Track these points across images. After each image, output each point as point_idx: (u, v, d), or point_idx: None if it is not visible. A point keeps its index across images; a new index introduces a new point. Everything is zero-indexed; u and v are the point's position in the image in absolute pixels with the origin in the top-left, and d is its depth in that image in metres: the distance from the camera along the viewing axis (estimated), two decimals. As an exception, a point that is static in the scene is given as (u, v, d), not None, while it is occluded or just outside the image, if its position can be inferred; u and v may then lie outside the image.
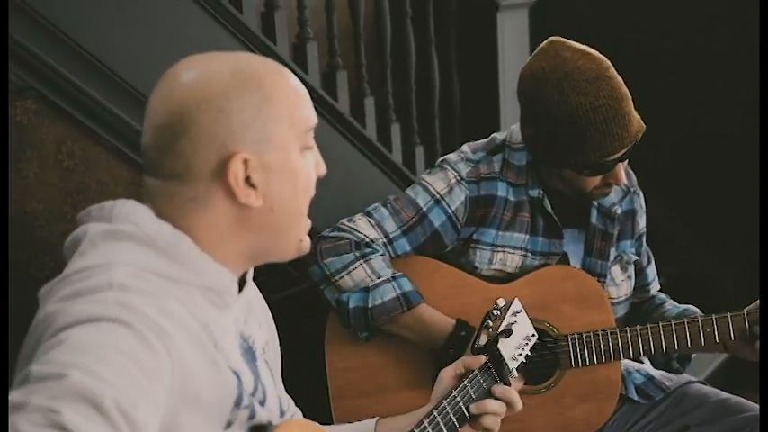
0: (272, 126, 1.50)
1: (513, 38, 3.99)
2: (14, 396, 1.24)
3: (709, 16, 4.71)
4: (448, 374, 1.88)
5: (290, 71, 1.56)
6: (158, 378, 1.35)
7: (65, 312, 1.34)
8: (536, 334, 2.04)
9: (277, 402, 1.67)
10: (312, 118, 1.57)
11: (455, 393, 1.82)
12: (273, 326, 1.80)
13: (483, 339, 1.98)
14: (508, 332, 1.94)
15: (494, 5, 3.92)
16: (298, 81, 1.57)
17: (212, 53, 1.55)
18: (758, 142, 4.42)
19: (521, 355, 1.98)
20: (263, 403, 1.59)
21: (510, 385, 1.90)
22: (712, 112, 4.77)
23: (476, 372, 1.87)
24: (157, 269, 1.44)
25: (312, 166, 1.58)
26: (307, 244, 1.60)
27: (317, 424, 1.67)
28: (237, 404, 1.50)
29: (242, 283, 1.61)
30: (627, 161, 2.46)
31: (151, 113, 1.50)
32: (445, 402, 1.82)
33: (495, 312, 2.01)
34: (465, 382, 1.85)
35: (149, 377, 1.33)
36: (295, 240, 1.58)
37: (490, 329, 1.98)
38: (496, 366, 1.90)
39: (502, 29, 3.96)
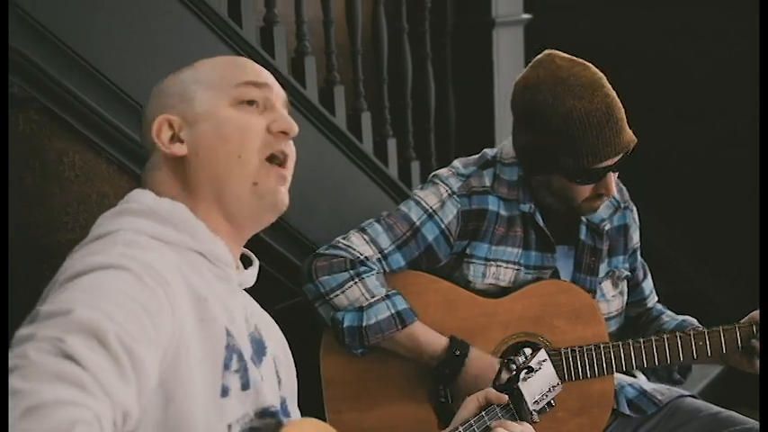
0: (193, 88, 1.72)
1: (508, 54, 4.02)
2: (23, 330, 1.34)
3: (707, 33, 4.75)
4: (472, 403, 1.92)
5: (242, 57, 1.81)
6: (159, 320, 1.45)
7: (73, 266, 1.47)
8: (560, 384, 2.05)
9: (279, 401, 1.72)
10: (249, 75, 1.74)
11: (472, 422, 1.87)
12: (287, 347, 1.89)
13: (504, 377, 2.01)
14: (529, 372, 1.97)
15: (489, 22, 3.95)
16: (242, 58, 1.84)
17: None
18: (751, 158, 4.45)
19: (543, 400, 2.00)
20: (263, 378, 1.66)
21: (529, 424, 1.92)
22: (705, 129, 4.80)
23: (494, 405, 1.91)
24: (158, 234, 1.60)
25: (254, 119, 1.71)
26: (269, 189, 1.70)
27: (330, 426, 1.71)
28: (227, 366, 1.57)
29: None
30: (618, 174, 2.49)
31: None
32: (461, 428, 1.87)
33: (519, 359, 2.03)
34: (483, 414, 1.90)
35: (151, 318, 1.44)
36: (243, 180, 1.69)
37: (513, 370, 2.00)
38: (515, 404, 1.94)
39: (497, 45, 3.99)
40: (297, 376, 1.88)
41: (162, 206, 1.64)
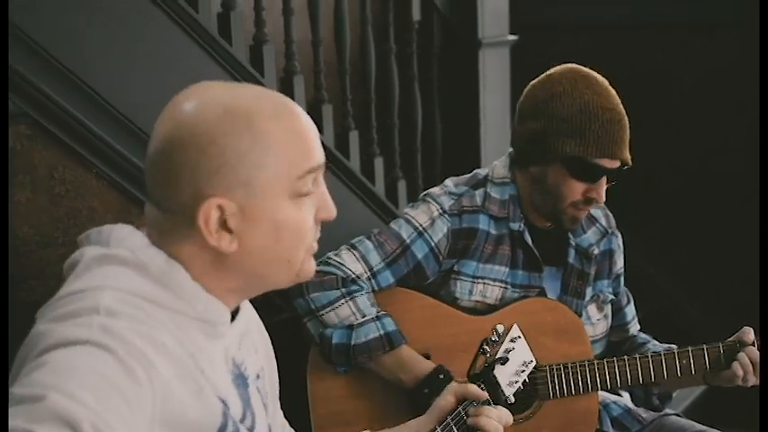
0: (255, 173, 1.46)
1: (494, 75, 4.05)
2: None
3: (696, 48, 4.80)
4: (450, 395, 1.91)
5: (295, 109, 1.52)
6: (138, 405, 1.34)
7: (49, 334, 1.35)
8: (534, 360, 2.06)
9: (266, 430, 1.67)
10: (312, 160, 1.51)
11: (449, 420, 1.87)
12: (271, 351, 1.80)
13: (479, 365, 2.01)
14: (504, 359, 1.97)
15: (476, 43, 3.98)
16: (301, 122, 1.52)
17: (218, 83, 1.53)
18: (734, 180, 4.50)
19: (517, 381, 2.00)
20: (251, 430, 1.59)
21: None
22: (692, 143, 4.85)
23: (471, 401, 1.91)
24: (148, 295, 1.44)
25: (308, 212, 1.53)
26: (306, 274, 1.57)
27: None
28: (222, 431, 1.49)
29: (235, 311, 1.60)
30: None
31: (151, 140, 1.51)
32: (439, 429, 1.87)
33: (493, 339, 2.03)
34: (459, 408, 1.90)
35: (129, 404, 1.32)
36: (287, 277, 1.56)
37: (487, 355, 2.01)
38: (491, 392, 1.94)
39: (483, 66, 4.02)
40: (283, 392, 1.87)
41: (156, 264, 1.47)
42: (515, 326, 2.04)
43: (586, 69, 2.52)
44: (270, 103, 1.51)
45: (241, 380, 1.60)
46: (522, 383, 2.02)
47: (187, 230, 1.47)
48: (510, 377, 1.99)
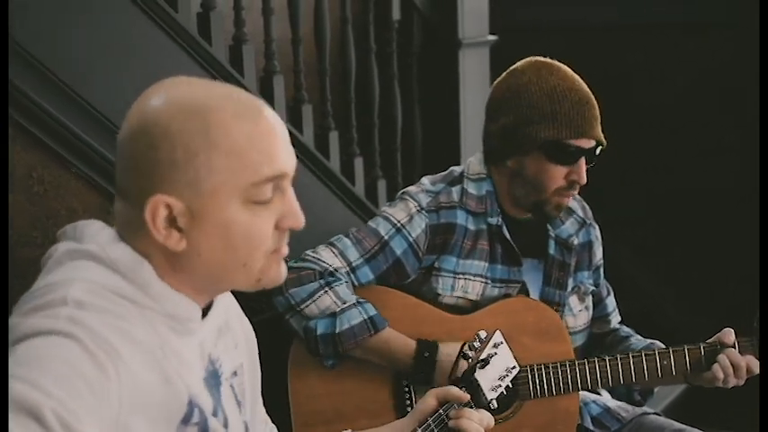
0: (204, 174, 1.43)
1: (474, 74, 4.06)
2: None
3: (688, 47, 4.82)
4: (431, 398, 1.90)
5: (264, 113, 1.49)
6: (104, 394, 1.35)
7: (18, 327, 1.36)
8: (517, 366, 2.06)
9: (242, 428, 1.67)
10: (274, 167, 1.47)
11: (430, 421, 1.86)
12: (254, 346, 1.79)
13: (461, 368, 2.01)
14: (485, 362, 1.97)
15: (456, 43, 3.99)
16: (268, 126, 1.48)
17: (193, 79, 1.52)
18: (728, 180, 4.52)
19: (500, 386, 2.00)
20: (225, 426, 1.59)
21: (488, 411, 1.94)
22: (682, 153, 4.86)
23: (453, 403, 1.90)
24: (117, 290, 1.45)
25: (265, 219, 1.49)
26: (270, 280, 1.55)
27: None
28: (185, 421, 1.49)
29: (209, 307, 1.60)
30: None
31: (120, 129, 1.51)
32: (419, 430, 1.87)
33: (475, 344, 2.04)
34: (440, 411, 1.90)
35: (94, 392, 1.33)
36: (245, 281, 1.53)
37: (470, 360, 2.01)
38: (473, 395, 1.94)
39: (463, 65, 4.03)
40: (264, 391, 1.86)
41: (124, 260, 1.46)
42: (498, 332, 2.04)
43: (548, 59, 2.56)
44: (235, 104, 1.47)
45: (214, 378, 1.59)
46: (505, 389, 2.02)
47: (138, 222, 1.46)
48: (492, 382, 1.98)
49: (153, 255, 1.48)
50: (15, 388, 1.26)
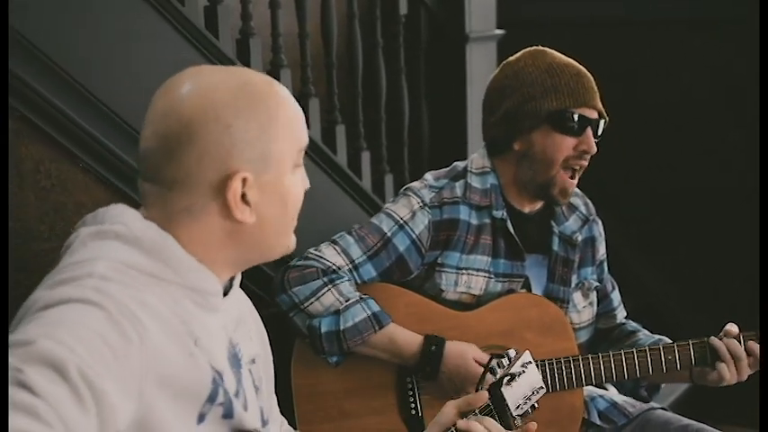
0: (272, 146, 1.56)
1: (481, 69, 4.05)
2: None
3: (685, 54, 4.81)
4: (450, 409, 1.88)
5: (287, 90, 1.62)
6: (127, 361, 1.40)
7: (45, 297, 1.42)
8: (544, 387, 2.05)
9: (258, 414, 1.71)
10: (305, 137, 1.65)
11: (452, 429, 1.84)
12: (267, 341, 1.85)
13: (488, 382, 2.00)
14: (512, 378, 1.96)
15: (463, 37, 3.99)
16: (294, 101, 1.64)
17: (208, 66, 1.62)
18: (733, 177, 4.50)
19: (526, 404, 1.99)
20: (245, 408, 1.63)
21: (512, 429, 1.92)
22: (687, 150, 4.85)
23: (476, 411, 1.88)
24: (141, 266, 1.50)
25: (301, 183, 1.65)
26: (291, 245, 1.68)
27: None
28: (211, 399, 1.54)
29: (228, 290, 1.67)
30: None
31: (156, 120, 1.55)
32: None
33: (503, 361, 2.03)
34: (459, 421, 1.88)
35: (118, 359, 1.38)
36: (281, 249, 1.67)
37: (496, 375, 2.00)
38: (498, 409, 1.93)
39: (470, 60, 4.02)
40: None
41: (148, 236, 1.53)
42: (527, 352, 2.03)
43: (539, 47, 2.61)
44: (268, 80, 1.62)
45: (235, 360, 1.65)
46: (531, 408, 2.02)
47: (200, 208, 1.55)
48: (518, 400, 1.98)
49: (202, 233, 1.56)
50: (41, 343, 1.32)
